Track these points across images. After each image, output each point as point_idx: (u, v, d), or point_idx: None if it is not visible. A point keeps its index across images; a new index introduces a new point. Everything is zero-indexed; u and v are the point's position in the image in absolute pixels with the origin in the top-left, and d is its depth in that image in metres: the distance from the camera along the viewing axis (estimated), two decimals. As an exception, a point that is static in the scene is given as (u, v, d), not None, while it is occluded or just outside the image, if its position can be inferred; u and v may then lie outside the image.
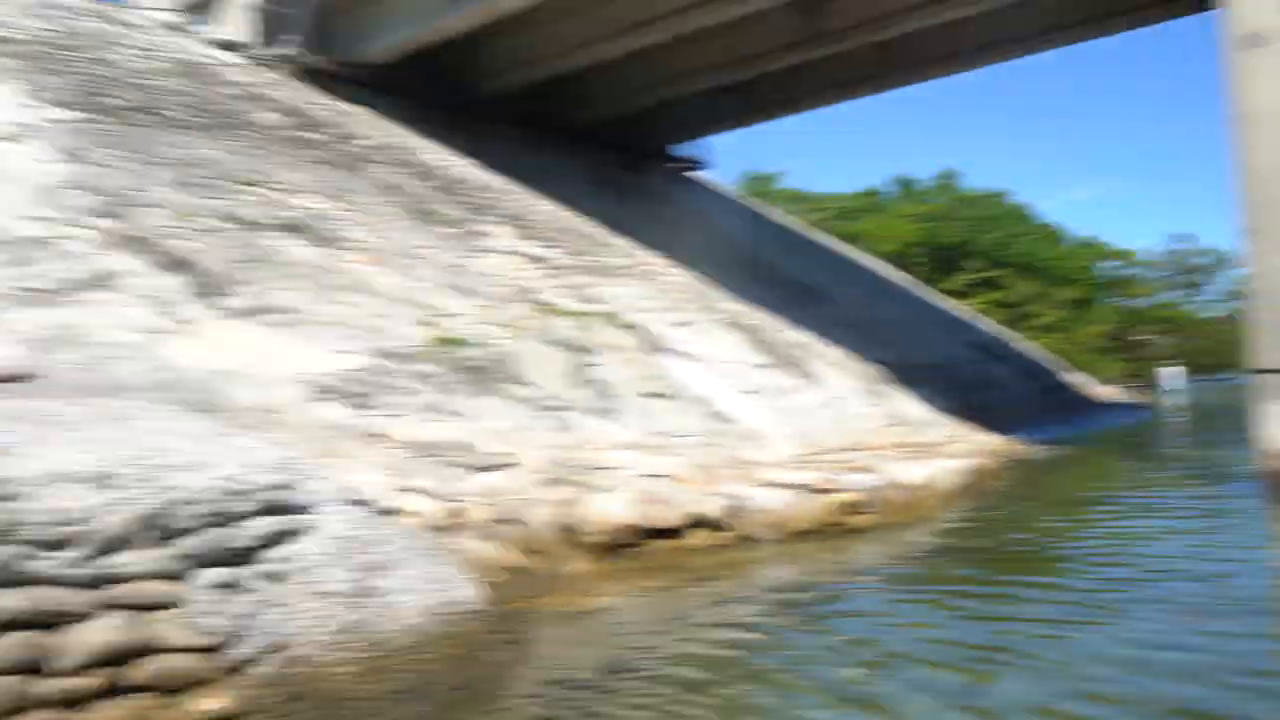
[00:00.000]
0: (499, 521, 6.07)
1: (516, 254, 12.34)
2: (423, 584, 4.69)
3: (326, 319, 8.22)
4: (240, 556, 4.11)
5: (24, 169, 8.41)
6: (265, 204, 9.91)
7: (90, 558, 3.53)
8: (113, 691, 3.51)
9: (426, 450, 6.81)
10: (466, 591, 4.91)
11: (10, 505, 3.42)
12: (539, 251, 12.82)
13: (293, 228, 9.66)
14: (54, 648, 3.36)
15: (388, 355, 8.05)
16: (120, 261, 7.42)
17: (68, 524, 3.50)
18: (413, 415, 7.36)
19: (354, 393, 7.26)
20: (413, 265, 10.32)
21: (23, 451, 3.74)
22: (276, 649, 4.00)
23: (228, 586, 3.99)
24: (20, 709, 3.23)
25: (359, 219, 10.88)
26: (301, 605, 4.21)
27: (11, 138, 8.94)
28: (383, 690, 4.08)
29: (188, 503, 3.93)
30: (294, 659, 4.03)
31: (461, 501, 6.07)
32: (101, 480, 3.75)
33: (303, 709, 3.92)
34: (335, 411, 6.91)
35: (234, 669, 3.87)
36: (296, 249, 9.20)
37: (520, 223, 13.74)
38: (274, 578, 4.22)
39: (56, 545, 3.46)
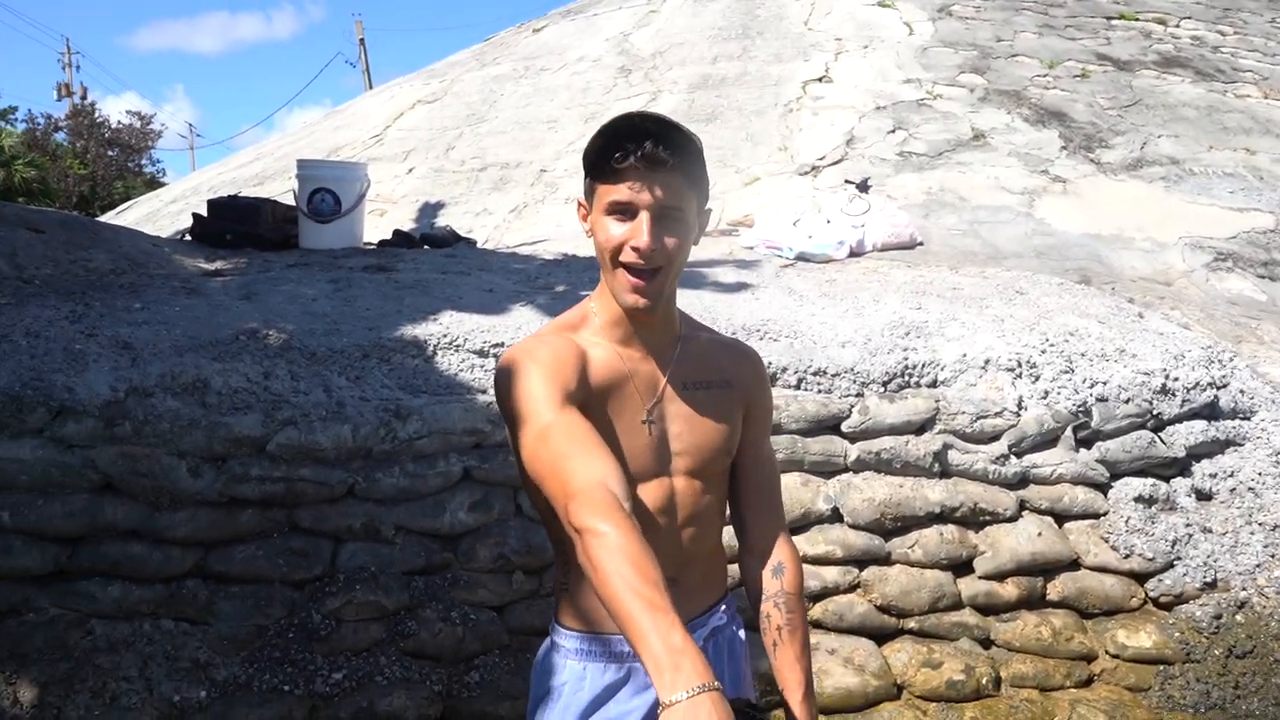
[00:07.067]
0: None
1: None
2: None
3: (1219, 169, 6.86)
4: (1167, 467, 3.44)
5: (896, 32, 8.56)
6: (1138, 38, 8.66)
7: (1016, 454, 3.20)
8: (1027, 603, 3.19)
9: (1368, 339, 5.23)
10: None
11: (937, 391, 3.23)
12: None
13: (1171, 62, 8.29)
14: (977, 547, 3.14)
15: (1302, 213, 6.41)
16: (991, 118, 7.08)
17: (993, 415, 3.21)
18: (1343, 291, 5.73)
19: (1260, 260, 5.92)
20: (1328, 95, 8.12)
21: (939, 331, 3.54)
22: (1211, 587, 3.28)
23: (1152, 502, 3.37)
24: (943, 607, 3.08)
25: (1250, 44, 8.92)
26: (1241, 536, 3.40)
27: (882, 2, 9.18)
28: (1362, 672, 3.10)
29: (1114, 400, 3.36)
30: (1234, 603, 3.27)
31: None
32: (1022, 367, 3.37)
33: (1248, 669, 3.16)
34: (1239, 284, 5.69)
35: (1160, 602, 3.27)
36: (1178, 87, 7.85)
37: None
38: (1206, 497, 3.47)
39: (982, 438, 3.19)
